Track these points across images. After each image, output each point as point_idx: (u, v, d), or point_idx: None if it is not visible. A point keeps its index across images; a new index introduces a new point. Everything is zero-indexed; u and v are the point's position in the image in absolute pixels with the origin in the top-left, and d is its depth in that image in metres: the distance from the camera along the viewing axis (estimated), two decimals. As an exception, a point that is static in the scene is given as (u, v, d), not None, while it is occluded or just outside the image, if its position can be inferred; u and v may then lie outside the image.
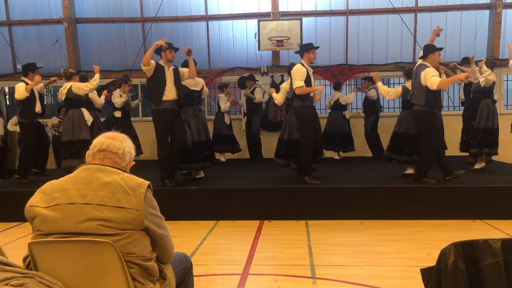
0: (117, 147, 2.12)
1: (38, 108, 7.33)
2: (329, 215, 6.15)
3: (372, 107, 9.64)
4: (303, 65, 6.42)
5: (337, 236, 5.39)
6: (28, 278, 1.80)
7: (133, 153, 2.20)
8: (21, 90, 7.07)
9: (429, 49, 6.28)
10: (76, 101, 7.11)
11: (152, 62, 6.34)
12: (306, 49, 6.51)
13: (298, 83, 6.31)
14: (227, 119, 9.59)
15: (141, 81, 10.67)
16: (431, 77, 6.00)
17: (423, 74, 6.10)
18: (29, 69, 7.33)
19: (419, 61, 6.36)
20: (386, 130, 9.92)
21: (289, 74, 6.76)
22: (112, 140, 2.12)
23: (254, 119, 9.72)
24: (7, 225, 6.23)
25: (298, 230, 5.71)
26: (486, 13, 10.50)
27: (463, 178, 6.50)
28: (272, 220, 6.18)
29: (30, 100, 7.17)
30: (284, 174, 7.13)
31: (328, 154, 9.62)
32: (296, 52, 6.80)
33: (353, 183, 6.56)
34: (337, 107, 9.49)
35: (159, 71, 6.43)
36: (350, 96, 9.54)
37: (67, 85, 7.11)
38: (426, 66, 6.17)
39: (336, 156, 9.66)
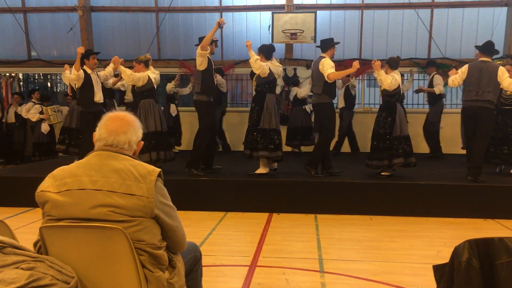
0: (122, 141, 2.07)
1: (97, 97, 7.06)
2: (339, 210, 6.13)
3: (352, 102, 9.76)
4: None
5: (346, 231, 5.37)
6: (39, 262, 1.80)
7: (140, 134, 2.16)
8: (67, 75, 6.94)
9: (493, 46, 6.31)
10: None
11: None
12: (331, 45, 6.58)
13: (330, 70, 6.34)
14: (173, 110, 9.77)
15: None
16: (507, 77, 6.06)
17: (501, 70, 6.10)
18: (84, 56, 7.03)
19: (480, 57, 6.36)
20: (361, 126, 9.97)
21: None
22: (115, 135, 2.06)
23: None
24: (19, 210, 6.29)
25: (307, 224, 5.70)
26: (504, 10, 10.35)
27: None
28: (281, 213, 6.17)
29: (87, 88, 6.97)
30: (293, 168, 7.10)
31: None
32: (318, 46, 6.76)
33: (363, 178, 6.51)
34: (297, 102, 9.57)
35: (210, 63, 6.53)
36: (304, 89, 9.60)
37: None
38: (491, 62, 6.23)
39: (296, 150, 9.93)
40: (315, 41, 9.85)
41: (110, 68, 7.44)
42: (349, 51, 10.75)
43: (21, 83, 12.00)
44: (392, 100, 6.55)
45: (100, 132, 2.08)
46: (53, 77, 12.36)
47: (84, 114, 7.07)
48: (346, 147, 10.02)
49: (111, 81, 8.12)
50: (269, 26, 10.13)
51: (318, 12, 10.20)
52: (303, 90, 9.60)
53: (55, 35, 11.33)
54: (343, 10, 10.76)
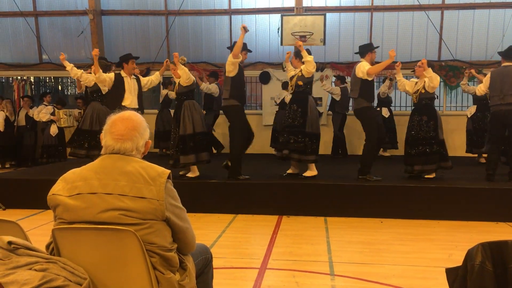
0: (129, 149, 2.05)
1: (127, 101, 6.68)
2: (349, 213, 6.11)
3: (340, 106, 9.74)
4: None
5: (357, 234, 5.35)
6: (51, 263, 1.82)
7: (147, 135, 2.14)
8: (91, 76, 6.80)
9: None
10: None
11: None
12: (369, 49, 6.52)
13: (367, 66, 6.29)
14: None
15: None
16: None
17: None
18: (123, 60, 6.82)
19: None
20: (350, 129, 9.99)
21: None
22: (122, 143, 2.04)
23: (207, 115, 9.19)
24: (31, 212, 6.34)
25: (316, 227, 5.68)
26: (515, 11, 10.26)
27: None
28: (291, 216, 6.16)
29: (116, 91, 6.72)
30: (303, 171, 7.08)
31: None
32: (356, 53, 6.72)
33: (372, 181, 6.47)
34: (283, 105, 9.62)
35: (240, 69, 6.54)
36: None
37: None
38: None
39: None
40: (324, 44, 9.84)
41: (158, 73, 7.39)
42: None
43: (33, 86, 12.11)
44: (430, 103, 6.51)
45: (106, 140, 2.06)
46: (64, 80, 12.46)
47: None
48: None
49: None
50: (279, 29, 10.14)
51: (328, 15, 10.19)
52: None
53: (66, 39, 11.44)
54: (352, 13, 10.75)
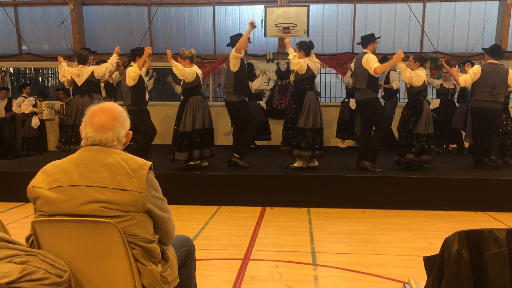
0: (110, 139, 2.02)
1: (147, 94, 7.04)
2: (332, 204, 6.16)
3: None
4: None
5: (339, 224, 5.40)
6: (31, 256, 1.80)
7: (128, 125, 2.12)
8: (132, 74, 6.64)
9: (500, 49, 6.80)
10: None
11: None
12: (371, 40, 6.55)
13: (376, 64, 6.30)
14: None
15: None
16: None
17: (511, 73, 6.72)
18: (137, 54, 6.90)
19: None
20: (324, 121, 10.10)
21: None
22: (102, 133, 2.01)
23: None
24: (11, 205, 6.26)
25: (300, 218, 5.72)
26: (495, 4, 10.39)
27: (466, 170, 6.52)
28: (274, 207, 6.19)
29: (140, 86, 6.79)
30: (287, 162, 7.11)
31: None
32: (358, 43, 6.76)
33: (355, 172, 6.54)
34: (252, 97, 9.67)
35: (242, 64, 6.55)
36: (257, 82, 9.56)
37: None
38: (500, 65, 6.70)
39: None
40: (308, 35, 9.84)
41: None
42: (342, 45, 10.76)
43: (12, 77, 11.89)
44: (418, 97, 6.56)
45: (86, 131, 2.03)
46: (44, 71, 12.26)
47: (138, 112, 6.78)
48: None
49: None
50: (262, 20, 10.10)
51: (311, 6, 10.18)
52: (256, 83, 9.55)
53: (46, 29, 11.24)
54: (336, 4, 10.76)
